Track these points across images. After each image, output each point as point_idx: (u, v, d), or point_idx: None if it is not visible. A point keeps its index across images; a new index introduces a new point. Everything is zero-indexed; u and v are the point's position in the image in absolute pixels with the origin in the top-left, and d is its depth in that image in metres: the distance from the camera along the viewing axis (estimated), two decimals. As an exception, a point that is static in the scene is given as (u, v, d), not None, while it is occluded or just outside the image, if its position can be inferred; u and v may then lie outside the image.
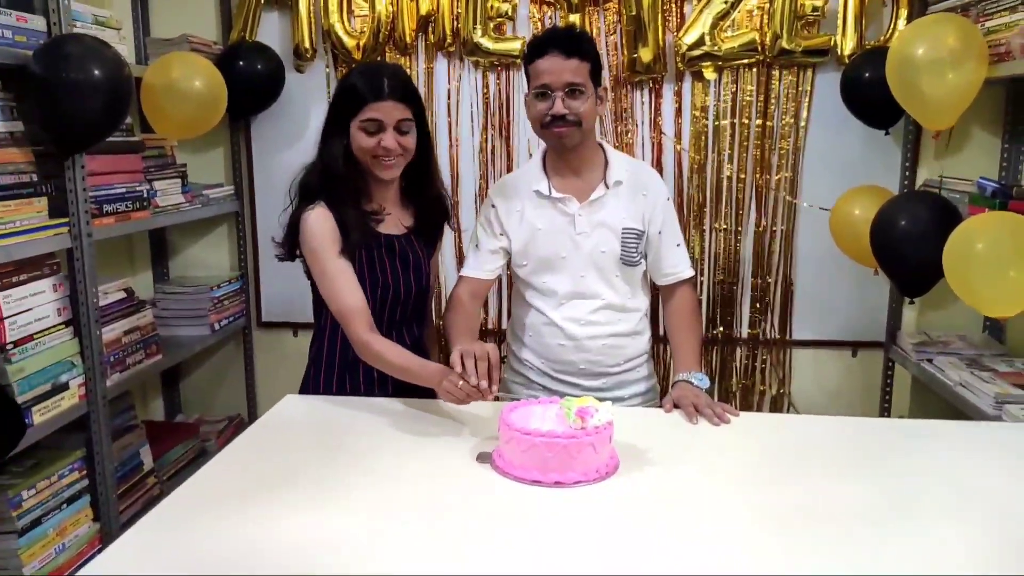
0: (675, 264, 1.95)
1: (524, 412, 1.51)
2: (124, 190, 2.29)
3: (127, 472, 2.36)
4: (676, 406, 1.76)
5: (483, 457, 1.49)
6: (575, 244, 1.87)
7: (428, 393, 1.67)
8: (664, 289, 1.99)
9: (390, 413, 1.71)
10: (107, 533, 2.16)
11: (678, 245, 1.96)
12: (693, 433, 1.66)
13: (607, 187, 1.87)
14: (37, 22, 1.92)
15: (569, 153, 1.85)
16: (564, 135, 1.79)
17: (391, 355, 1.70)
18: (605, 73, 2.74)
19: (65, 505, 2.04)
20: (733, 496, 1.36)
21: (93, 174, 2.13)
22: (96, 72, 1.88)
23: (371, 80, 1.71)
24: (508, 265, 1.98)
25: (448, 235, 2.69)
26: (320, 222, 1.73)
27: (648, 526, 1.26)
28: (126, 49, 2.34)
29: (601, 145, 1.94)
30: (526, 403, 1.54)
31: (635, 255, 1.90)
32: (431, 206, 1.89)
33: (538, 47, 1.79)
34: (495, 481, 1.41)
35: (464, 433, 1.60)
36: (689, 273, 1.97)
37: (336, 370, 1.85)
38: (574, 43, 1.77)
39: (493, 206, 1.93)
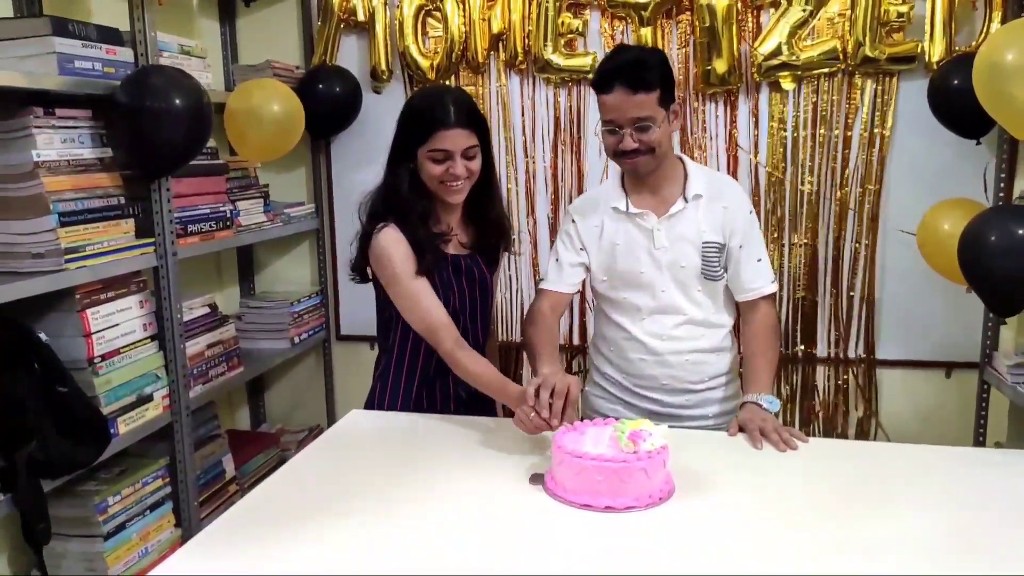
0: (755, 279, 1.89)
1: (577, 434, 1.49)
2: (208, 210, 2.41)
3: (209, 480, 2.46)
4: (741, 429, 1.72)
5: (536, 479, 1.49)
6: (654, 259, 1.85)
7: (490, 413, 1.69)
8: (744, 305, 1.93)
9: (449, 431, 1.73)
10: (188, 538, 2.24)
11: (759, 260, 1.89)
12: (757, 459, 1.61)
13: (686, 201, 1.84)
14: (125, 54, 2.04)
15: (646, 176, 1.83)
16: (638, 165, 1.78)
17: (479, 369, 1.72)
18: (677, 90, 2.71)
19: (148, 511, 2.15)
20: (791, 527, 1.31)
21: (179, 196, 2.25)
22: (177, 101, 1.97)
23: (437, 107, 1.72)
24: (588, 281, 1.97)
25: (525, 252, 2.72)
26: (393, 243, 1.76)
27: (698, 557, 1.23)
28: (211, 77, 2.47)
29: (681, 159, 1.91)
30: (581, 425, 1.53)
31: (717, 269, 1.86)
32: (492, 226, 1.91)
33: (603, 81, 1.75)
34: (546, 504, 1.41)
35: (520, 453, 1.60)
36: (770, 289, 1.91)
37: (402, 389, 1.89)
38: (639, 76, 1.71)
39: (573, 221, 1.94)
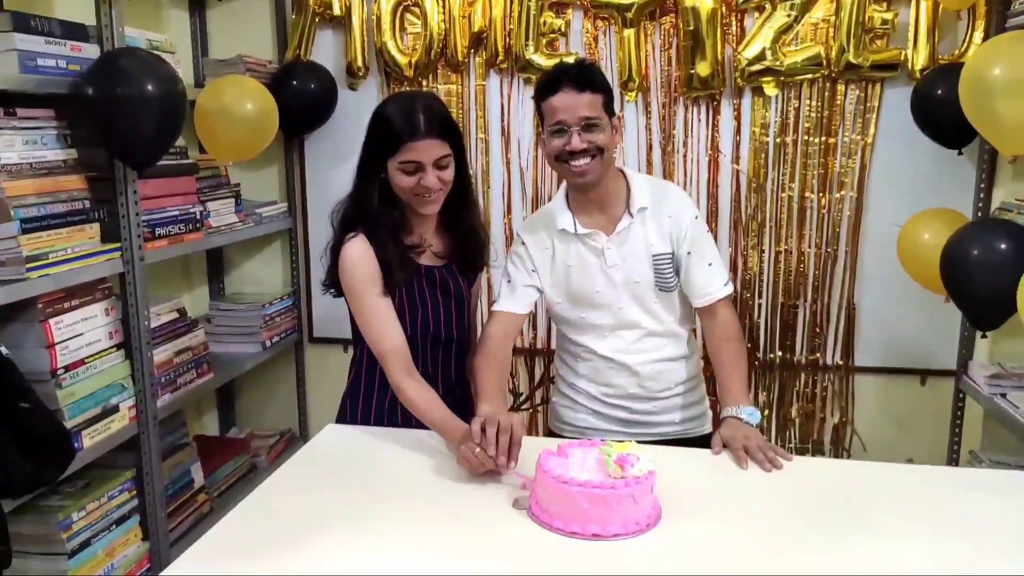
0: (708, 284, 1.87)
1: (562, 458, 1.45)
2: (177, 212, 2.33)
3: (178, 490, 2.39)
4: (725, 446, 1.69)
5: (520, 502, 1.45)
6: (608, 278, 1.84)
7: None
8: (701, 311, 1.91)
9: (428, 449, 1.68)
10: (156, 552, 2.19)
11: (710, 264, 1.87)
12: (742, 479, 1.58)
13: (631, 215, 1.82)
14: (90, 50, 1.95)
15: (591, 188, 1.80)
16: (586, 170, 1.75)
17: (421, 403, 1.68)
18: (660, 93, 2.68)
19: (115, 526, 2.08)
20: (778, 553, 1.29)
21: (146, 198, 2.17)
22: (148, 87, 1.89)
23: (407, 117, 1.66)
24: (542, 304, 1.95)
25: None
26: (359, 258, 1.70)
27: (688, 589, 1.20)
28: (182, 72, 2.38)
29: (622, 171, 1.89)
30: (565, 447, 1.49)
31: (670, 279, 1.85)
32: (468, 235, 1.86)
33: (549, 84, 1.75)
34: (530, 529, 1.37)
35: (518, 471, 1.55)
36: (723, 292, 1.88)
37: (373, 400, 1.84)
38: (585, 77, 1.73)
39: (523, 243, 1.90)
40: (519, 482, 1.49)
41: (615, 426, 1.91)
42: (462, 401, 1.89)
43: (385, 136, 1.68)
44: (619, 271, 1.83)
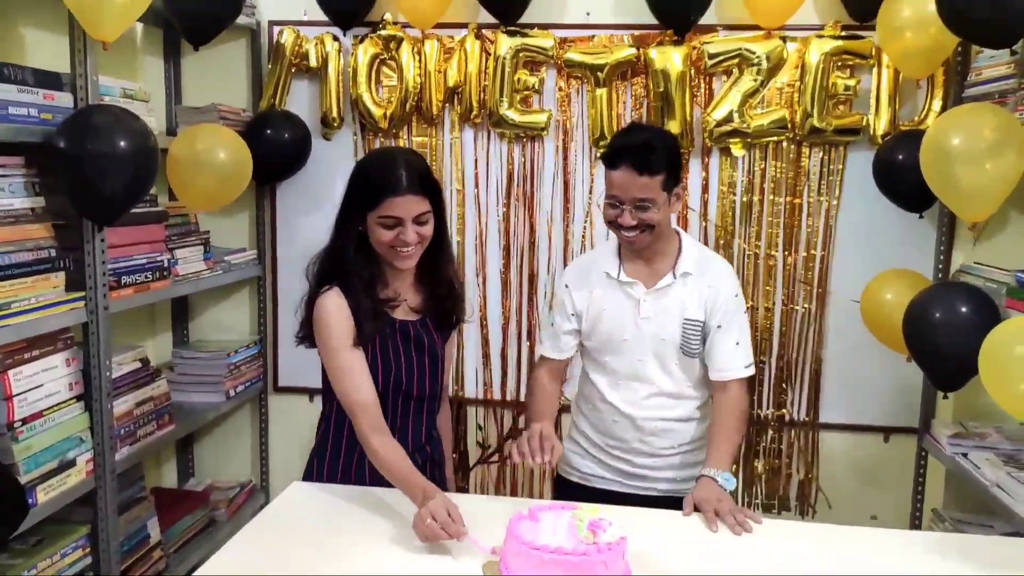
0: (729, 362, 1.91)
1: (533, 523, 1.44)
2: (145, 260, 2.29)
3: (133, 546, 2.32)
4: (697, 508, 1.70)
5: (490, 566, 1.43)
6: (637, 328, 1.90)
7: (439, 486, 1.62)
8: (716, 384, 1.95)
9: (395, 510, 1.65)
10: (109, 612, 2.11)
11: (737, 343, 1.91)
12: (712, 541, 1.60)
13: (675, 276, 1.89)
14: (64, 99, 1.94)
15: (641, 249, 1.88)
16: (633, 241, 1.83)
17: (387, 458, 1.66)
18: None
19: (67, 584, 2.01)
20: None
21: (114, 246, 2.13)
22: (121, 143, 1.88)
23: (389, 173, 1.67)
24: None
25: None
26: (334, 311, 1.70)
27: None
28: (155, 120, 2.37)
29: (678, 232, 1.96)
30: (536, 510, 1.48)
31: (695, 346, 1.89)
32: (444, 290, 1.86)
33: (613, 158, 1.81)
34: (501, 597, 1.35)
35: (473, 537, 1.53)
36: (742, 373, 1.91)
37: (341, 458, 1.81)
38: (646, 159, 1.76)
39: (566, 286, 1.99)
40: (488, 547, 1.47)
41: (616, 476, 1.98)
42: (431, 458, 1.87)
43: (366, 190, 1.69)
44: (649, 324, 1.89)
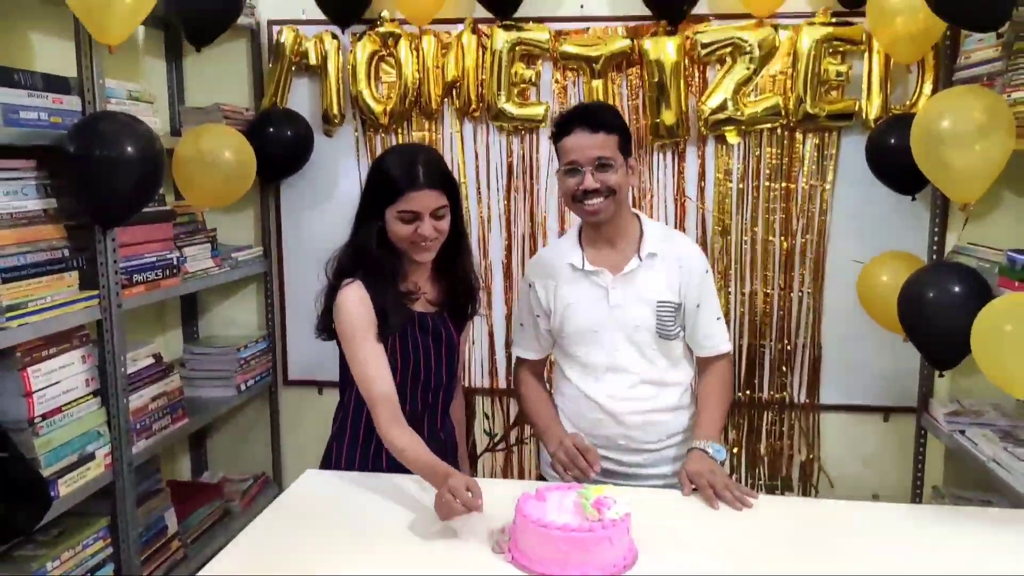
0: (713, 338, 1.93)
1: (540, 501, 1.49)
2: (155, 259, 2.34)
3: (151, 536, 2.37)
4: (692, 483, 1.73)
5: (500, 546, 1.48)
6: (609, 317, 1.87)
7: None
8: (700, 360, 1.98)
9: (408, 494, 1.70)
10: (130, 601, 2.17)
11: (718, 319, 1.93)
12: (714, 518, 1.64)
13: (640, 259, 1.86)
14: (72, 102, 1.98)
15: (604, 225, 1.86)
16: (598, 209, 1.80)
17: (407, 447, 1.69)
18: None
19: (89, 574, 2.06)
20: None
21: (124, 245, 2.18)
22: (128, 148, 1.93)
23: (407, 168, 1.72)
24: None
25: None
26: (356, 303, 1.74)
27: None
28: (159, 121, 2.41)
29: (637, 216, 1.94)
30: (543, 490, 1.53)
31: (672, 328, 1.87)
32: (461, 284, 1.90)
33: (564, 125, 1.82)
34: (510, 573, 1.40)
35: (483, 518, 1.57)
36: (727, 348, 1.95)
37: (359, 446, 1.86)
38: (599, 118, 1.79)
39: (530, 286, 1.96)
40: (499, 526, 1.52)
41: (602, 477, 1.84)
42: (446, 446, 1.92)
43: (385, 186, 1.74)
44: (622, 312, 1.86)
